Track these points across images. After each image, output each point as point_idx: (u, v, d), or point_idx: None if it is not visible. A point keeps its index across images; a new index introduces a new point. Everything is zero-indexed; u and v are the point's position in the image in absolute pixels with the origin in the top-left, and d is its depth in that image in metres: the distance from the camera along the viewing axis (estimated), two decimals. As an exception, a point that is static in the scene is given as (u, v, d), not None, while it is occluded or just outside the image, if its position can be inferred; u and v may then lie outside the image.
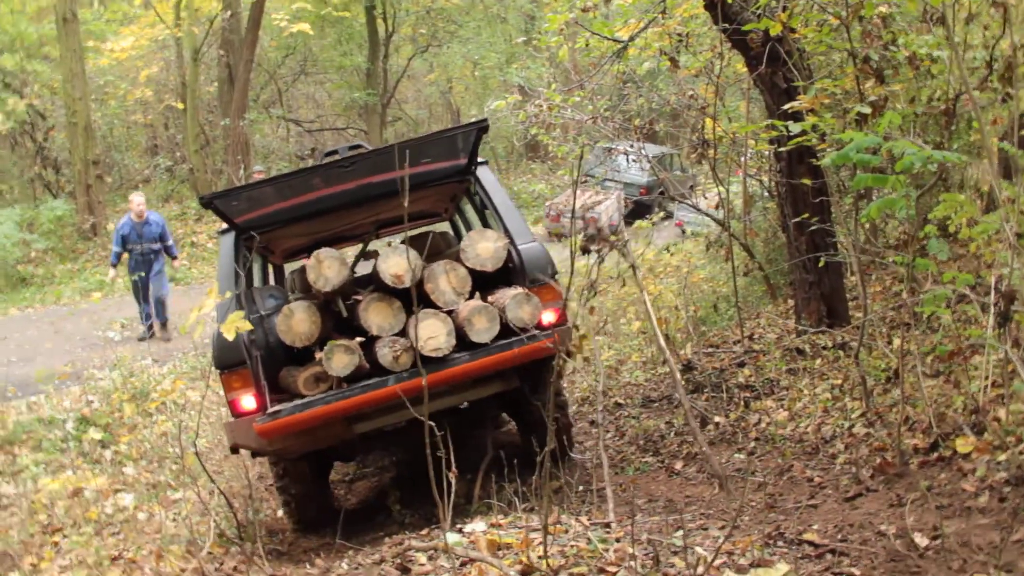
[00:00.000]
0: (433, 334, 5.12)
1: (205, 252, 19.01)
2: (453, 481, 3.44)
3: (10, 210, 18.50)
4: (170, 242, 12.31)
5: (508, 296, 5.30)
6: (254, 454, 5.68)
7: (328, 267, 5.29)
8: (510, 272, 5.54)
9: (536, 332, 5.15)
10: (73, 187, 19.02)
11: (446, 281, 5.33)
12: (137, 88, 23.48)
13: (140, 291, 11.87)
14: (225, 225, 5.88)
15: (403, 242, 5.61)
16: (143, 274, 11.79)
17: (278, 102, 27.98)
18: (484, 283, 5.62)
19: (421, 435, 3.14)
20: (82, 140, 17.57)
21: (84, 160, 17.61)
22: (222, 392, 5.45)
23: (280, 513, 6.93)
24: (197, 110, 22.34)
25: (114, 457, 8.33)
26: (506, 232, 5.63)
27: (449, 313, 5.28)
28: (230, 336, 3.77)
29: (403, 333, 5.33)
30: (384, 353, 5.18)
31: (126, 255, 11.90)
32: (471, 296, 5.54)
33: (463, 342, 5.24)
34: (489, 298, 5.51)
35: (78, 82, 17.56)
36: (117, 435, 8.76)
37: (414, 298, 3.66)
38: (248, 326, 3.83)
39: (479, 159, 6.02)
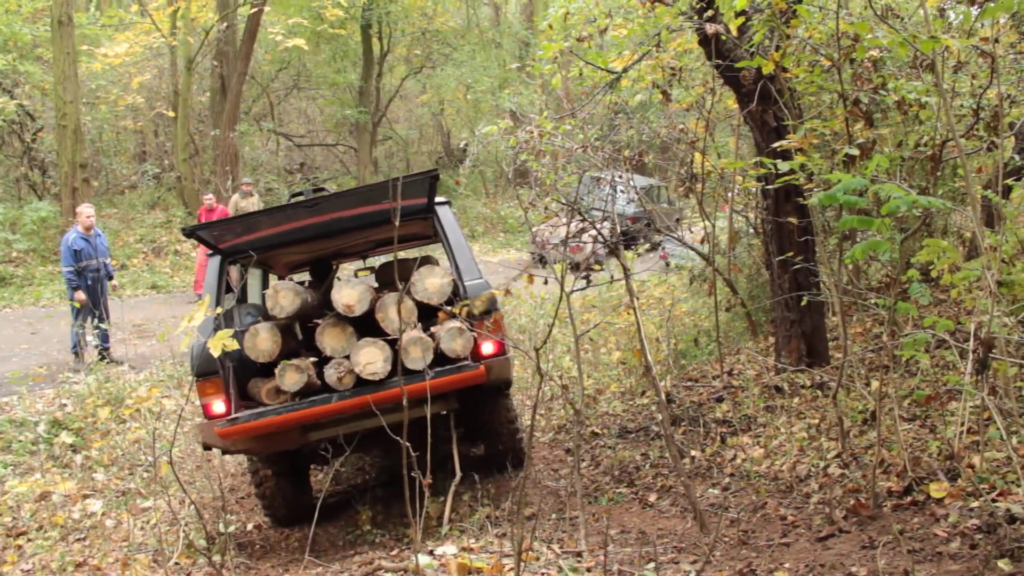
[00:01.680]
0: (371, 360, 5.76)
1: (188, 261, 18.93)
2: (427, 491, 3.42)
3: (-7, 209, 18.39)
4: (109, 260, 11.71)
5: (444, 329, 5.90)
6: (224, 452, 6.33)
7: (283, 297, 5.97)
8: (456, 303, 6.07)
9: (467, 363, 5.80)
10: (59, 189, 18.91)
11: (395, 311, 5.84)
12: (129, 94, 23.43)
13: (88, 311, 10.98)
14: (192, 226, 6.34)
15: (359, 273, 6.40)
16: (97, 294, 11.18)
17: (269, 115, 28.00)
18: (433, 313, 6.10)
19: (390, 441, 3.21)
20: (70, 143, 17.49)
21: (71, 163, 17.53)
22: (197, 398, 5.98)
23: (249, 527, 6.88)
24: (188, 119, 22.31)
25: (84, 462, 8.24)
26: (455, 267, 6.31)
27: (393, 342, 5.79)
28: (216, 352, 3.93)
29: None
30: (330, 374, 5.84)
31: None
32: (426, 325, 6.17)
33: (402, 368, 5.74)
34: (432, 328, 6.06)
35: (70, 85, 17.51)
36: (89, 440, 8.67)
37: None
38: (235, 345, 4.02)
39: (441, 199, 6.72)
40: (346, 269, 10.86)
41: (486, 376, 5.77)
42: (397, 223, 3.67)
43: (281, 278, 8.59)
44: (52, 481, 7.72)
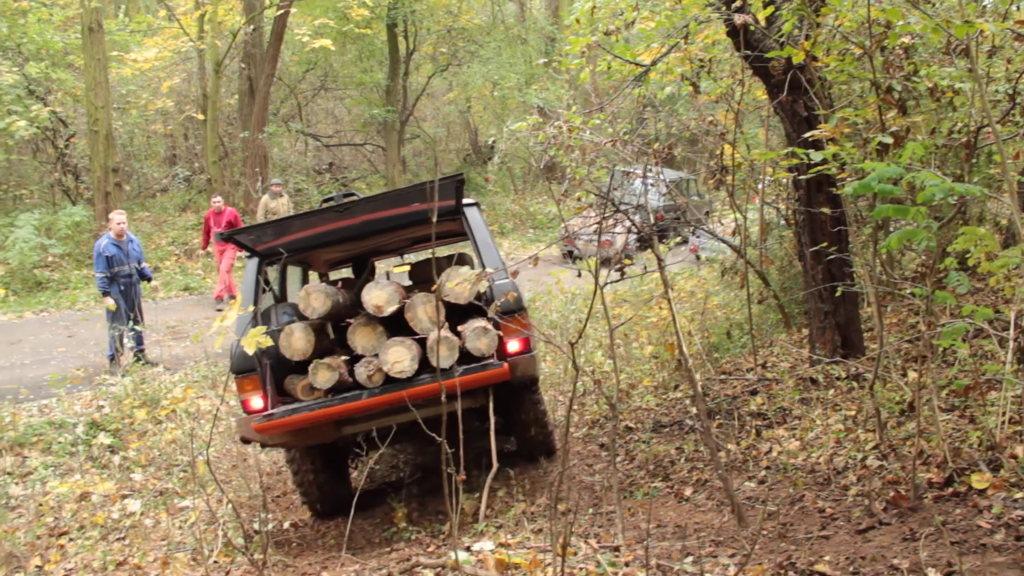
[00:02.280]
0: (399, 359, 5.99)
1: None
2: (461, 488, 3.44)
3: (29, 215, 18.62)
4: (145, 263, 11.82)
5: (470, 328, 6.08)
6: (262, 445, 6.49)
7: (315, 299, 6.21)
8: (484, 303, 6.22)
9: (491, 361, 5.99)
10: (92, 194, 19.14)
11: (423, 311, 6.11)
12: (159, 98, 23.65)
13: (123, 316, 11.19)
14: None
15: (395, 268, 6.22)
16: (131, 298, 11.30)
17: (297, 116, 28.14)
18: (461, 312, 6.34)
19: (424, 437, 3.29)
20: (102, 148, 17.69)
21: (104, 167, 17.73)
22: (236, 395, 6.27)
23: (286, 525, 6.93)
24: (217, 122, 22.47)
25: (122, 463, 8.34)
26: (482, 267, 6.37)
27: (420, 341, 6.05)
28: (250, 350, 4.05)
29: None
30: (360, 372, 6.08)
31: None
32: (453, 324, 6.36)
33: (429, 366, 6.05)
34: (459, 327, 6.25)
35: (101, 91, 17.71)
36: (126, 441, 8.78)
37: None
38: (269, 342, 4.17)
39: (469, 201, 6.93)
40: (385, 266, 10.96)
41: (511, 373, 5.97)
42: (434, 222, 3.72)
43: (322, 275, 9.08)
44: (91, 482, 7.82)
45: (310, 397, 6.16)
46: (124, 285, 11.25)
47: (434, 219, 3.72)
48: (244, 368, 6.06)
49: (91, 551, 6.49)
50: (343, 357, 6.24)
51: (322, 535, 6.67)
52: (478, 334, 6.03)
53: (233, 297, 15.08)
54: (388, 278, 7.56)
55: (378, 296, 6.11)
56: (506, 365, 5.95)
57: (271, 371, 6.21)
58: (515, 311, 6.11)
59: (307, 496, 6.87)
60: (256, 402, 6.07)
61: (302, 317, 6.35)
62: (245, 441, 6.32)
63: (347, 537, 5.93)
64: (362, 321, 6.24)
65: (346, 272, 9.31)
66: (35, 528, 6.93)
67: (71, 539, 6.82)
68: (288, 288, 7.70)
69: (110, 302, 10.99)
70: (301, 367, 6.24)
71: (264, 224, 6.61)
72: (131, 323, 11.16)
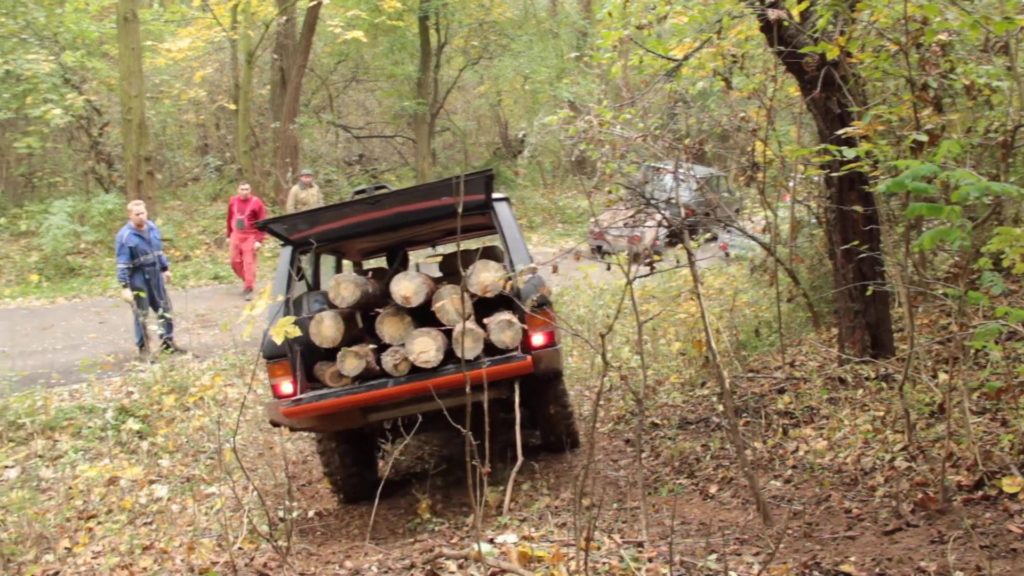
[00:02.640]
0: (425, 349, 6.08)
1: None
2: (485, 480, 3.44)
3: (63, 202, 18.84)
4: (161, 252, 11.72)
5: (495, 321, 6.17)
6: (291, 429, 6.65)
7: (345, 288, 6.31)
8: (511, 297, 6.32)
9: (515, 354, 6.06)
10: (124, 182, 19.31)
11: (450, 303, 6.20)
12: (191, 88, 23.84)
13: (150, 303, 11.27)
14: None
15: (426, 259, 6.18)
16: (153, 287, 11.30)
17: (328, 107, 28.26)
18: (488, 304, 6.44)
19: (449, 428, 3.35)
20: (135, 136, 17.84)
21: (136, 156, 17.88)
22: (267, 379, 6.35)
23: (311, 514, 6.97)
24: (249, 112, 22.61)
25: (151, 448, 8.43)
26: (509, 261, 6.56)
27: (446, 332, 6.13)
28: (278, 339, 4.16)
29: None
30: (387, 361, 6.19)
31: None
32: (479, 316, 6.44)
33: (455, 357, 6.14)
34: (485, 320, 6.31)
35: (135, 80, 17.85)
36: (155, 427, 8.87)
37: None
38: (297, 331, 4.25)
39: (499, 195, 7.01)
40: (416, 257, 11.01)
41: (534, 366, 6.03)
42: (459, 215, 3.73)
43: (356, 263, 9.40)
44: (120, 466, 7.91)
45: (338, 384, 6.28)
46: (148, 274, 11.25)
47: (459, 212, 3.73)
48: (275, 354, 6.22)
49: (118, 535, 6.56)
50: (371, 346, 6.36)
51: (346, 524, 6.71)
52: (502, 327, 6.10)
53: (250, 289, 15.26)
54: (418, 269, 7.62)
55: (406, 287, 6.20)
56: (529, 358, 6.01)
57: (301, 357, 6.34)
58: (541, 305, 6.16)
59: (335, 481, 7.01)
60: (286, 387, 6.22)
61: (332, 306, 6.43)
62: (274, 424, 6.45)
63: (371, 527, 5.96)
64: (390, 311, 6.35)
65: (380, 261, 9.42)
66: (64, 511, 7.03)
67: (99, 522, 6.90)
68: (321, 277, 7.84)
69: (128, 294, 10.97)
70: (330, 354, 6.34)
71: (297, 214, 6.72)
72: (161, 310, 11.24)
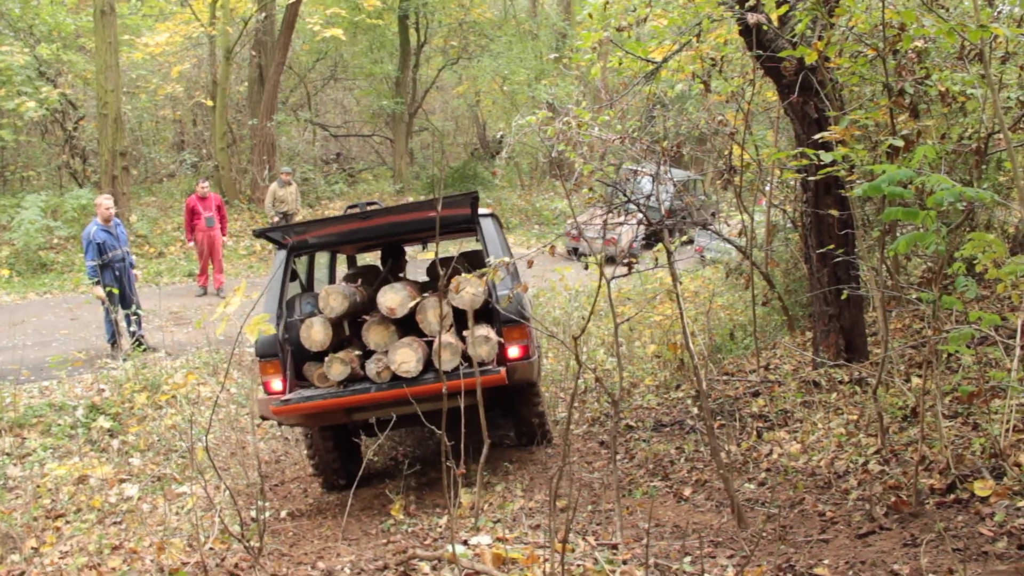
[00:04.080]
0: (405, 360, 6.47)
1: (225, 250, 19.06)
2: (460, 481, 3.43)
3: (35, 196, 18.58)
4: (128, 247, 11.41)
5: (473, 335, 6.35)
6: (279, 424, 7.17)
7: (334, 299, 6.69)
8: (491, 310, 6.75)
9: (490, 367, 6.36)
10: (99, 177, 19.09)
11: (432, 314, 6.54)
12: (168, 83, 23.62)
13: (120, 299, 11.00)
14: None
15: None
16: (124, 283, 11.07)
17: (306, 105, 28.12)
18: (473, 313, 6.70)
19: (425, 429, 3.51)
20: (111, 131, 17.64)
21: (112, 151, 17.68)
22: (239, 380, 6.59)
23: (283, 514, 6.92)
24: (226, 109, 22.43)
25: (121, 447, 8.34)
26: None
27: (427, 343, 6.57)
28: (251, 336, 4.22)
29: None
30: (371, 367, 6.58)
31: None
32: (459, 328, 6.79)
33: (434, 366, 6.46)
34: (464, 332, 6.59)
35: (111, 74, 17.65)
36: (126, 425, 8.77)
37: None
38: (271, 329, 4.43)
39: (485, 212, 7.31)
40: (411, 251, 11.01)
41: (508, 378, 6.34)
42: (437, 235, 4.18)
43: (350, 257, 10.12)
44: (90, 465, 7.81)
45: (324, 385, 6.65)
46: (118, 270, 11.03)
47: (438, 231, 4.21)
48: (267, 352, 6.62)
49: (87, 534, 6.47)
50: (356, 352, 6.74)
51: (319, 525, 6.65)
52: (480, 342, 6.39)
53: (220, 286, 15.12)
54: (404, 277, 7.84)
55: (392, 299, 6.54)
56: (503, 371, 6.32)
57: (292, 357, 6.75)
58: (518, 321, 6.52)
59: (318, 466, 7.35)
60: (276, 385, 6.62)
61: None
62: (263, 419, 6.82)
63: (344, 527, 5.92)
64: (376, 319, 6.70)
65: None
66: (32, 510, 6.93)
67: (67, 522, 6.81)
68: (315, 275, 8.31)
69: (100, 291, 10.77)
70: (319, 355, 6.73)
71: (295, 224, 7.11)
72: (134, 307, 11.11)
